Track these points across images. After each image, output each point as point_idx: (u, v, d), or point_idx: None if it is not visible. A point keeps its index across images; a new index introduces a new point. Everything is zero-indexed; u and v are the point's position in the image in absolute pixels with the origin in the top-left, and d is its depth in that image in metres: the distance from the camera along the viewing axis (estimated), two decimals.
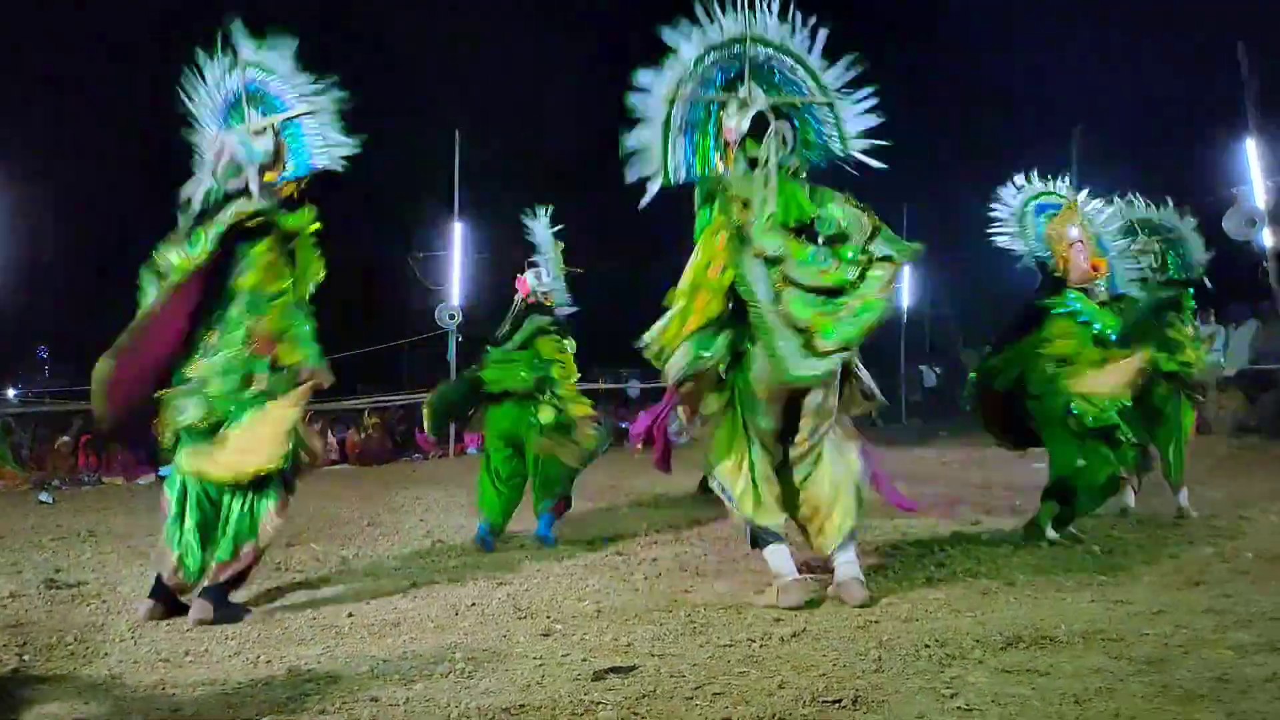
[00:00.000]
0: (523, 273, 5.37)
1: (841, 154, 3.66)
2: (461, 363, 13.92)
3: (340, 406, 11.51)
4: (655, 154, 3.63)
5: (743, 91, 3.63)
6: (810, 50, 3.62)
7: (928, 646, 2.71)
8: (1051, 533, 4.42)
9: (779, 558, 3.45)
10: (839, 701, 2.29)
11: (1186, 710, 2.16)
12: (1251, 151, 13.44)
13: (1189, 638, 2.72)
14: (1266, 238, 12.83)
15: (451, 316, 14.11)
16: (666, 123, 3.63)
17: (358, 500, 7.08)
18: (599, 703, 2.36)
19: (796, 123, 3.67)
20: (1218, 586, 3.37)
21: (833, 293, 3.37)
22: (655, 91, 3.62)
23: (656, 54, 3.58)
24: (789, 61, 3.64)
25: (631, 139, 3.63)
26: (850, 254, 3.40)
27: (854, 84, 3.62)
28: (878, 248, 3.41)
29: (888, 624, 3.05)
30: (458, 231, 15.41)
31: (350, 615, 3.43)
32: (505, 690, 2.49)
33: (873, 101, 3.61)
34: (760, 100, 3.59)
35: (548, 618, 3.30)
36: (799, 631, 2.97)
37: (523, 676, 2.60)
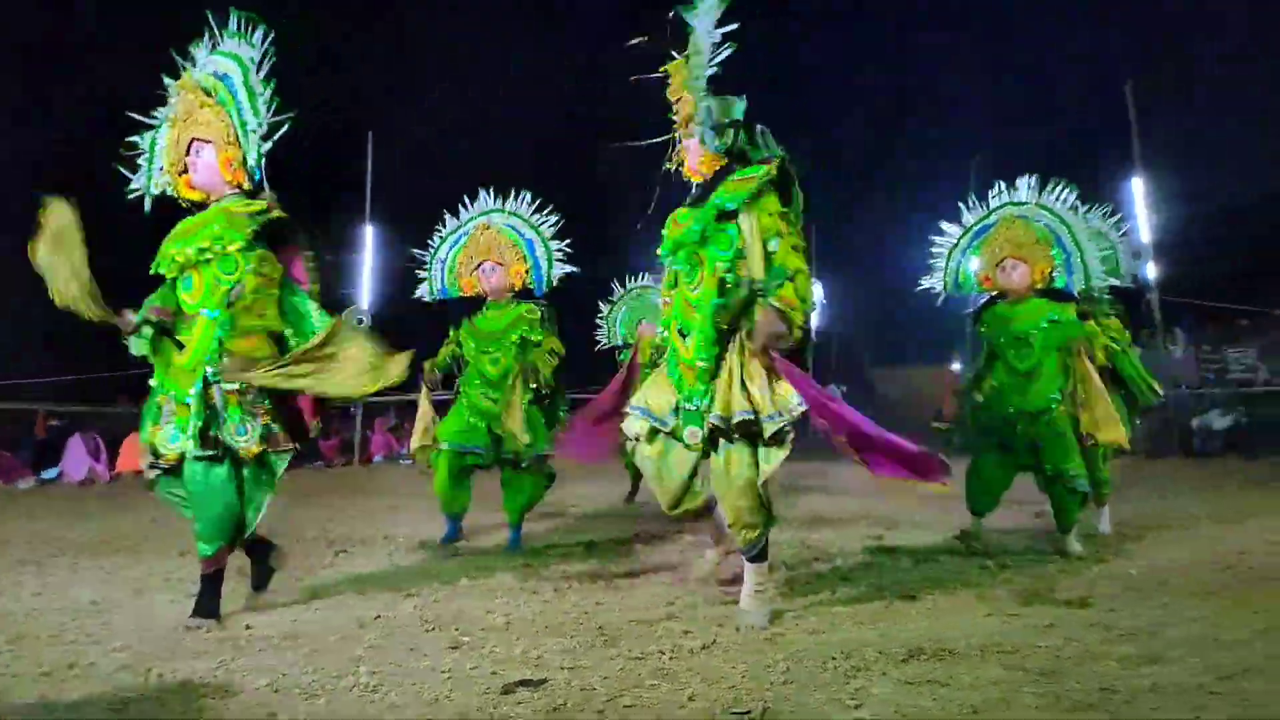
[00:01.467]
0: None
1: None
2: None
3: None
4: None
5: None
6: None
7: (834, 659, 2.76)
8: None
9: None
10: (748, 713, 2.32)
11: (1077, 718, 2.26)
12: (1137, 188, 14.30)
13: (1078, 650, 2.84)
14: (1150, 271, 13.74)
15: (360, 321, 13.77)
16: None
17: None
18: (509, 716, 2.33)
19: None
20: (1105, 602, 3.53)
21: None
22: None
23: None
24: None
25: None
26: None
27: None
28: None
29: (795, 636, 3.10)
30: (369, 234, 15.12)
31: (248, 627, 3.31)
32: (412, 705, 2.44)
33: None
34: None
35: (456, 630, 3.24)
36: (709, 644, 2.99)
37: (430, 690, 2.54)
